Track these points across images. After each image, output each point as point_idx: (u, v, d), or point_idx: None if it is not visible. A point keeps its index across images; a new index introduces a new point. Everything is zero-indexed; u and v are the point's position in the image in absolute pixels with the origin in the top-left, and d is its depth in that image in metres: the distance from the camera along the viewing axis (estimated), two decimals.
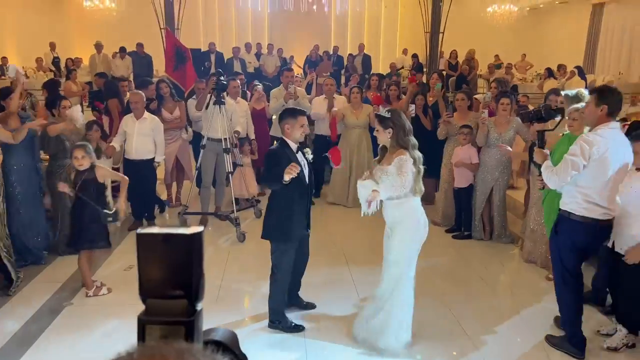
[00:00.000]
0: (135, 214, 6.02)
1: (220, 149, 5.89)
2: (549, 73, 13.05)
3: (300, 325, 3.82)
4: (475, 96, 6.99)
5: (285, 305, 3.88)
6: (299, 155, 3.69)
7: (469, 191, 5.74)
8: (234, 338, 1.01)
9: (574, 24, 16.41)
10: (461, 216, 5.88)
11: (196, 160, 6.23)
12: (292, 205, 3.62)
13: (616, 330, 3.66)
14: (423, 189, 3.52)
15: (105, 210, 4.13)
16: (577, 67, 13.23)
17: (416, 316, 3.92)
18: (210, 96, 5.76)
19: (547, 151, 3.68)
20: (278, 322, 3.79)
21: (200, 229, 0.88)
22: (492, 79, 6.78)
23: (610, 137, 3.32)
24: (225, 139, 5.76)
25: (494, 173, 5.46)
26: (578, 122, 4.35)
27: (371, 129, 6.01)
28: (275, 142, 6.22)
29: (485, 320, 4.00)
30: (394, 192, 3.35)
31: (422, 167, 3.47)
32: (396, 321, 3.49)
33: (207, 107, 5.85)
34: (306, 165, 3.71)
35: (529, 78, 14.67)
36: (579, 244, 3.47)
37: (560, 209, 3.54)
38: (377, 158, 3.65)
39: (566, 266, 3.51)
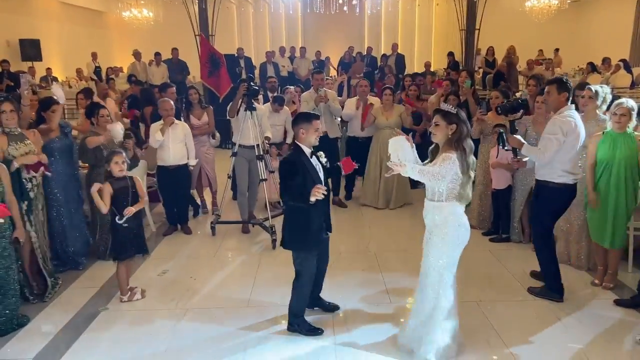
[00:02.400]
0: (170, 219, 6.11)
1: (252, 156, 5.89)
2: (592, 67, 12.55)
3: (320, 329, 3.82)
4: (516, 94, 6.76)
5: (304, 310, 3.88)
6: (314, 160, 3.67)
7: (507, 193, 5.54)
8: None
9: (619, 15, 15.76)
10: (499, 219, 5.69)
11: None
12: (310, 213, 3.57)
13: None
14: (470, 197, 3.33)
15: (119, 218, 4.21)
16: (623, 61, 12.70)
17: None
18: (241, 102, 5.76)
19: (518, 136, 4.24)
20: (297, 325, 3.80)
21: None
22: (529, 77, 6.52)
23: (576, 117, 4.06)
24: (257, 145, 5.77)
25: (532, 174, 5.20)
26: (626, 117, 4.16)
27: (404, 130, 5.88)
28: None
29: (524, 328, 3.84)
30: (421, 178, 3.18)
31: (473, 174, 3.30)
32: (439, 330, 3.35)
33: (237, 114, 5.87)
34: (321, 170, 3.69)
35: (571, 73, 14.15)
36: (557, 206, 4.22)
37: (538, 180, 4.25)
38: (427, 161, 3.43)
39: (545, 226, 4.26)
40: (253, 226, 6.08)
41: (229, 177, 6.05)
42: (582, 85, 5.02)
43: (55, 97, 5.47)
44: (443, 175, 3.15)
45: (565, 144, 3.99)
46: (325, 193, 3.43)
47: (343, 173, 3.73)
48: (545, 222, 4.26)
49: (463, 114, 3.30)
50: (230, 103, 6.03)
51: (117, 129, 5.54)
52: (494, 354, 3.53)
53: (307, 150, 3.65)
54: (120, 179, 4.25)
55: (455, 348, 3.44)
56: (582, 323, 3.91)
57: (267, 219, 5.71)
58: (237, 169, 6.01)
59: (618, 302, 4.17)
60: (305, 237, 3.63)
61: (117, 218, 4.17)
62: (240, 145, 5.86)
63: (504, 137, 4.20)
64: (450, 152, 3.19)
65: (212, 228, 5.94)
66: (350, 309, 4.20)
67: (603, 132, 4.36)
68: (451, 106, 3.34)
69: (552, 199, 4.16)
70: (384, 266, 5.02)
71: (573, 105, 4.20)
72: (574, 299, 4.30)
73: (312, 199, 3.38)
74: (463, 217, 3.33)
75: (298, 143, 3.66)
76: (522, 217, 5.47)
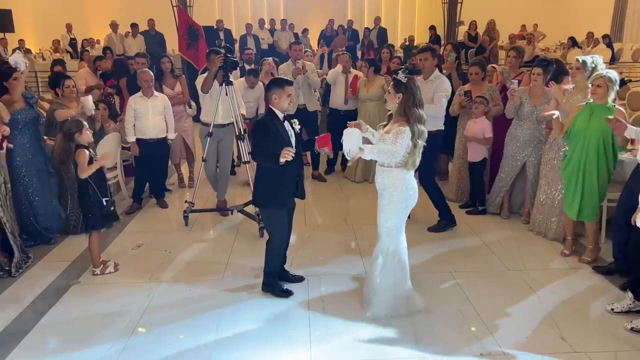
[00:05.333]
0: (137, 196, 5.93)
1: (223, 135, 5.54)
2: (573, 42, 12.56)
3: (290, 291, 3.93)
4: (494, 65, 6.67)
5: (278, 269, 4.00)
6: (286, 125, 3.72)
7: (482, 166, 5.55)
8: None
9: None
10: (476, 191, 5.70)
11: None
12: (282, 172, 3.63)
13: (630, 309, 3.58)
14: (417, 163, 3.46)
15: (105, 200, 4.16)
16: (605, 36, 12.73)
17: (426, 292, 3.90)
18: (216, 75, 5.32)
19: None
20: (270, 285, 3.93)
21: None
22: (510, 48, 6.44)
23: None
24: (235, 123, 5.30)
25: (527, 148, 5.12)
26: (602, 89, 4.13)
27: None
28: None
29: (496, 298, 3.87)
30: (379, 158, 3.42)
31: (420, 142, 3.40)
32: (386, 288, 3.54)
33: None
34: (293, 136, 3.74)
35: (553, 48, 14.15)
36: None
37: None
38: (382, 123, 3.63)
39: (432, 174, 5.20)
40: (232, 213, 5.58)
41: (204, 161, 5.46)
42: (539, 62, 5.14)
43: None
44: (399, 152, 3.36)
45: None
46: (294, 156, 3.49)
47: (317, 148, 3.69)
48: (432, 172, 5.28)
49: (414, 85, 3.41)
50: (201, 75, 5.57)
51: (89, 103, 5.40)
52: (467, 324, 3.55)
53: (280, 115, 3.70)
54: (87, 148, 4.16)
55: (406, 305, 3.60)
56: (554, 293, 3.95)
57: (248, 203, 5.26)
58: (202, 148, 5.53)
59: (596, 269, 4.25)
60: (276, 194, 3.70)
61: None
62: (215, 125, 5.40)
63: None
64: (402, 125, 3.36)
65: (185, 218, 5.38)
66: (325, 275, 4.25)
67: (585, 104, 4.33)
68: (402, 75, 3.46)
69: (433, 150, 4.69)
70: (360, 236, 5.04)
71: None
72: (548, 270, 4.34)
73: (282, 160, 3.46)
74: (411, 180, 3.51)
75: (271, 107, 3.71)
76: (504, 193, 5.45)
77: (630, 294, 3.60)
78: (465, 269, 4.37)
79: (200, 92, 5.48)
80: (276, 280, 3.96)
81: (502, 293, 3.96)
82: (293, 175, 3.73)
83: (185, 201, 5.56)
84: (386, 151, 3.37)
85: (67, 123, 4.26)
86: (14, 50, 12.87)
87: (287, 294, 3.92)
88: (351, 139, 3.40)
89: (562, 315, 3.64)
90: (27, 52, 13.59)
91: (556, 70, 5.24)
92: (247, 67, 7.35)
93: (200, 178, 5.60)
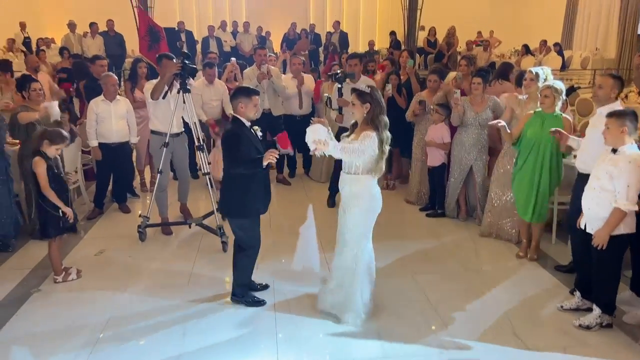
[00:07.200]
0: (98, 201, 5.87)
1: (177, 145, 5.26)
2: (526, 49, 13.06)
3: (262, 300, 3.92)
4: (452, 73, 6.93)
5: (249, 280, 3.99)
6: (252, 131, 3.75)
7: (441, 170, 5.75)
8: None
9: None
10: (435, 195, 5.90)
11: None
12: (253, 180, 3.65)
13: (579, 307, 3.79)
14: (383, 169, 3.57)
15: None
16: (556, 44, 13.28)
17: (388, 294, 4.02)
18: (172, 83, 4.99)
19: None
20: (242, 296, 3.90)
21: None
22: (461, 57, 6.71)
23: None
24: (194, 131, 5.07)
25: (472, 152, 5.42)
26: (550, 99, 4.38)
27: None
28: None
29: (455, 299, 4.04)
30: (344, 156, 3.46)
31: (387, 148, 3.51)
32: (358, 295, 3.62)
33: (164, 96, 5.01)
34: (258, 139, 3.76)
35: (507, 55, 14.66)
36: None
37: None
38: (346, 133, 3.68)
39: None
40: (190, 227, 5.31)
41: (160, 172, 5.10)
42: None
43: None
44: (363, 152, 3.41)
45: None
46: (277, 157, 3.55)
47: (279, 149, 3.76)
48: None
49: (377, 94, 3.55)
50: (150, 82, 5.25)
51: (55, 109, 5.32)
52: (427, 323, 3.71)
53: (247, 123, 3.73)
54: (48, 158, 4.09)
55: (371, 307, 3.71)
56: (508, 292, 4.16)
57: (208, 215, 5.23)
58: (155, 161, 5.41)
59: (557, 268, 4.52)
60: (248, 203, 3.68)
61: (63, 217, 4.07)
62: (171, 135, 5.10)
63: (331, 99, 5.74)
64: (369, 131, 3.45)
65: (140, 233, 5.09)
66: (291, 278, 4.34)
67: (534, 112, 4.58)
68: (364, 85, 3.64)
69: None
70: (324, 238, 5.09)
71: None
72: (503, 270, 4.55)
73: (266, 162, 3.50)
74: (376, 187, 3.60)
75: (237, 116, 3.72)
76: (459, 196, 5.68)
77: (578, 293, 3.83)
78: (425, 270, 4.53)
79: (148, 99, 5.15)
80: (247, 290, 3.94)
81: (459, 293, 4.13)
82: (262, 182, 3.74)
83: (140, 215, 5.38)
84: (350, 149, 3.42)
85: (54, 130, 4.17)
86: None
87: (260, 303, 3.89)
88: (317, 132, 3.44)
89: (515, 313, 3.83)
90: None
91: (501, 69, 5.99)
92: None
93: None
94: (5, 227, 4.81)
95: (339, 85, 5.68)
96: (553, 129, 4.22)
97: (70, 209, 4.10)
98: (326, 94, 6.35)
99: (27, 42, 14.57)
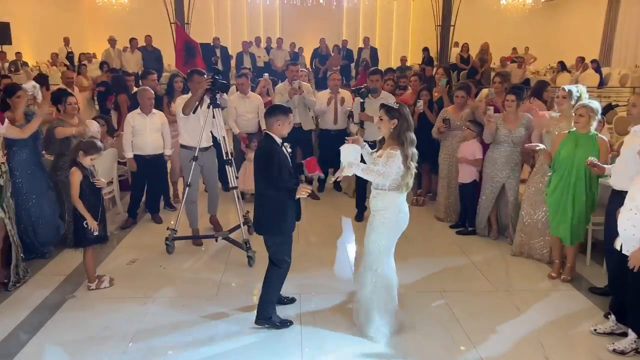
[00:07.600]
0: (132, 211, 6.02)
1: (206, 159, 5.36)
2: (562, 66, 12.84)
3: (289, 321, 3.86)
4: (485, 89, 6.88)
5: (276, 300, 3.91)
6: (283, 149, 3.74)
7: (473, 187, 5.68)
8: None
9: (591, 15, 16.12)
10: (466, 212, 5.83)
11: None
12: (284, 200, 3.63)
13: (613, 331, 3.66)
14: (411, 185, 3.56)
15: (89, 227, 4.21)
16: (594, 61, 13.01)
17: (416, 311, 3.99)
18: (202, 98, 5.08)
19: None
20: (268, 317, 3.79)
21: None
22: (495, 74, 6.63)
23: None
24: (223, 146, 5.09)
25: (504, 170, 5.32)
26: (584, 119, 4.30)
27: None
28: None
29: (484, 317, 3.97)
30: (369, 177, 3.51)
31: (413, 165, 3.51)
32: (375, 310, 3.62)
33: (194, 111, 5.10)
34: (288, 158, 3.76)
35: (542, 71, 14.44)
36: None
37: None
38: (375, 149, 3.70)
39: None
40: (216, 240, 5.26)
41: (189, 186, 5.18)
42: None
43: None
44: (389, 174, 3.45)
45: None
46: (310, 192, 3.59)
47: (306, 173, 3.77)
48: None
49: (405, 110, 3.55)
50: (182, 97, 5.38)
51: (94, 127, 5.54)
52: (455, 342, 3.65)
53: (279, 141, 3.72)
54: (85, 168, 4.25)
55: (394, 325, 3.69)
56: (539, 313, 4.06)
57: (234, 229, 5.26)
58: (185, 174, 5.47)
59: (592, 290, 4.41)
60: (283, 221, 3.67)
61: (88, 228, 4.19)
62: (201, 149, 5.18)
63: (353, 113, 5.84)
64: (394, 149, 3.46)
65: (167, 245, 5.13)
66: (317, 292, 4.34)
67: (568, 132, 4.50)
68: (393, 101, 3.68)
69: None
70: (352, 252, 5.11)
71: None
72: (534, 291, 4.45)
73: (297, 196, 3.53)
74: (403, 204, 3.61)
75: (270, 133, 3.70)
76: (490, 214, 5.59)
77: (612, 317, 3.71)
78: (454, 288, 4.47)
79: (179, 114, 5.24)
80: (273, 308, 3.83)
81: (489, 312, 4.06)
82: (295, 201, 3.71)
83: (168, 228, 5.41)
84: (376, 172, 3.44)
85: (88, 141, 4.33)
86: (13, 63, 13.02)
87: (285, 324, 3.82)
88: (350, 153, 3.52)
89: (547, 335, 3.74)
90: (24, 65, 13.68)
91: (536, 87, 5.84)
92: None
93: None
94: (47, 235, 4.98)
95: (362, 100, 5.79)
96: (589, 160, 4.12)
97: (95, 222, 4.22)
98: (348, 108, 6.65)
99: (70, 56, 15.19)
